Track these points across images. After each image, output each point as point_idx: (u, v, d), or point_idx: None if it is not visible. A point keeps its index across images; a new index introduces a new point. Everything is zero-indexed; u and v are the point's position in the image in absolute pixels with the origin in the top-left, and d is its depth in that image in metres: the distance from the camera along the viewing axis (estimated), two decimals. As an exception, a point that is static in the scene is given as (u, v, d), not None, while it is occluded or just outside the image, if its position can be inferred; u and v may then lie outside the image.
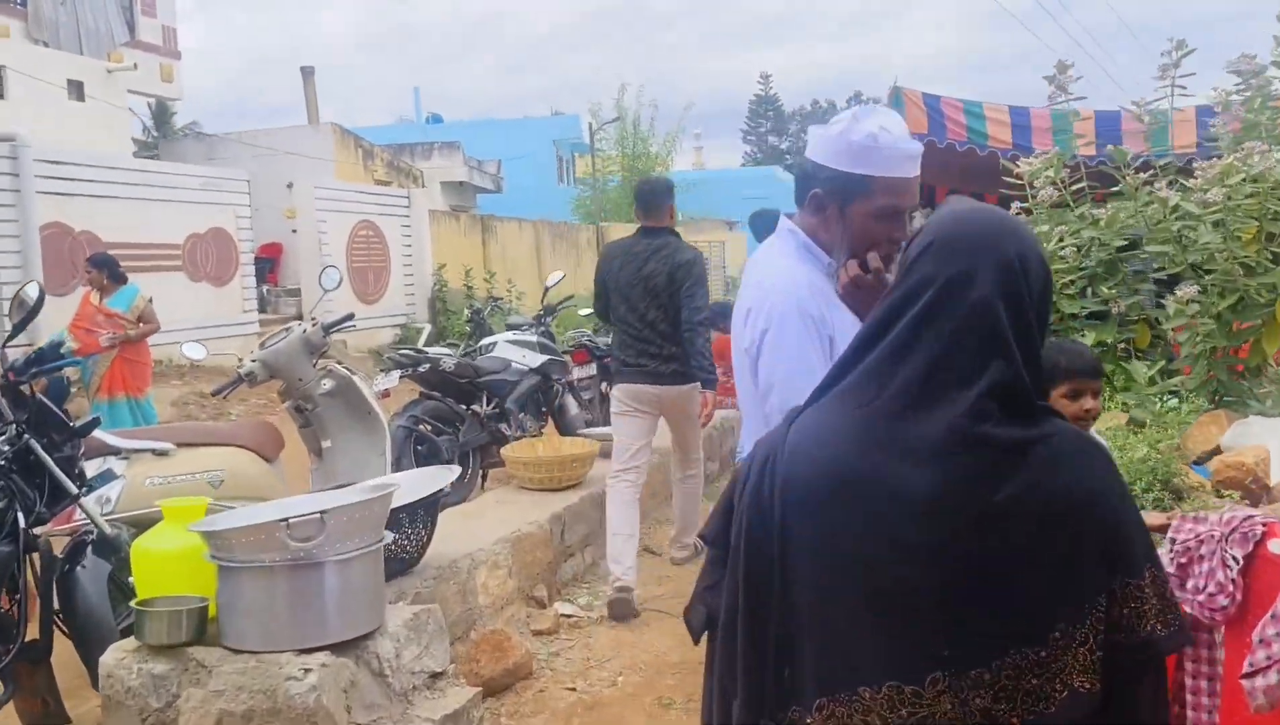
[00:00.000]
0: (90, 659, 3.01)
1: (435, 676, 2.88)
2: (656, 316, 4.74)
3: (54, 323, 7.55)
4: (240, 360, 5.11)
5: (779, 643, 1.26)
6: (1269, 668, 1.97)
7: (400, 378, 6.29)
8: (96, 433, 3.78)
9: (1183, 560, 2.33)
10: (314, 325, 5.07)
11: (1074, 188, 5.52)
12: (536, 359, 6.99)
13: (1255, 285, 4.85)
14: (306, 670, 2.46)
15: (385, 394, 6.08)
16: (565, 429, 7.17)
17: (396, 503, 3.08)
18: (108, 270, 7.24)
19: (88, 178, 10.80)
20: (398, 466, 5.53)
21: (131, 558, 2.84)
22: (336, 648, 2.56)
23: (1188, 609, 2.19)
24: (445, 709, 2.79)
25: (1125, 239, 5.42)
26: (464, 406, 6.57)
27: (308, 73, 19.17)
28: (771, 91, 66.55)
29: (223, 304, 12.60)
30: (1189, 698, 2.36)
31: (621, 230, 22.73)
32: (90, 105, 14.61)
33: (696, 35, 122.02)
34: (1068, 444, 1.24)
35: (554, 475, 5.07)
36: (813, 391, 1.34)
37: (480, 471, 6.66)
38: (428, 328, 14.49)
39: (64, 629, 3.30)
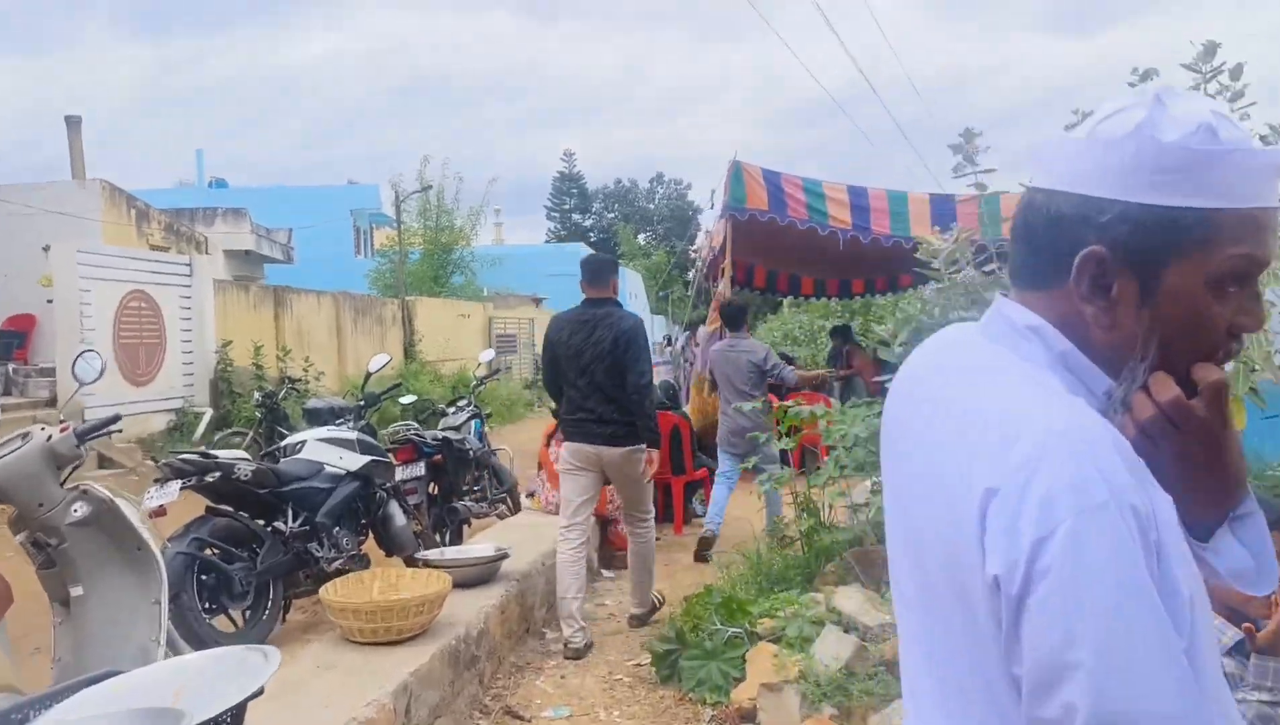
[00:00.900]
0: None
1: None
2: (603, 380, 5.00)
3: None
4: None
5: None
6: None
7: (181, 490, 4.94)
8: None
9: None
10: (62, 431, 3.73)
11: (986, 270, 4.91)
12: (356, 461, 5.77)
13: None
14: None
15: (159, 512, 4.74)
16: (392, 544, 5.96)
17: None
18: None
19: None
20: (175, 605, 4.23)
21: None
22: None
23: None
24: None
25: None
26: (263, 523, 5.28)
27: (73, 123, 16.96)
28: (575, 169, 66.91)
29: (-48, 386, 10.50)
30: None
31: (430, 304, 21.47)
32: None
33: (502, 113, 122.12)
34: None
35: (393, 625, 3.90)
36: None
37: (284, 602, 5.36)
38: (209, 413, 12.73)
39: None
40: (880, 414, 5.07)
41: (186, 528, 4.97)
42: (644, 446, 5.05)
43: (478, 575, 4.82)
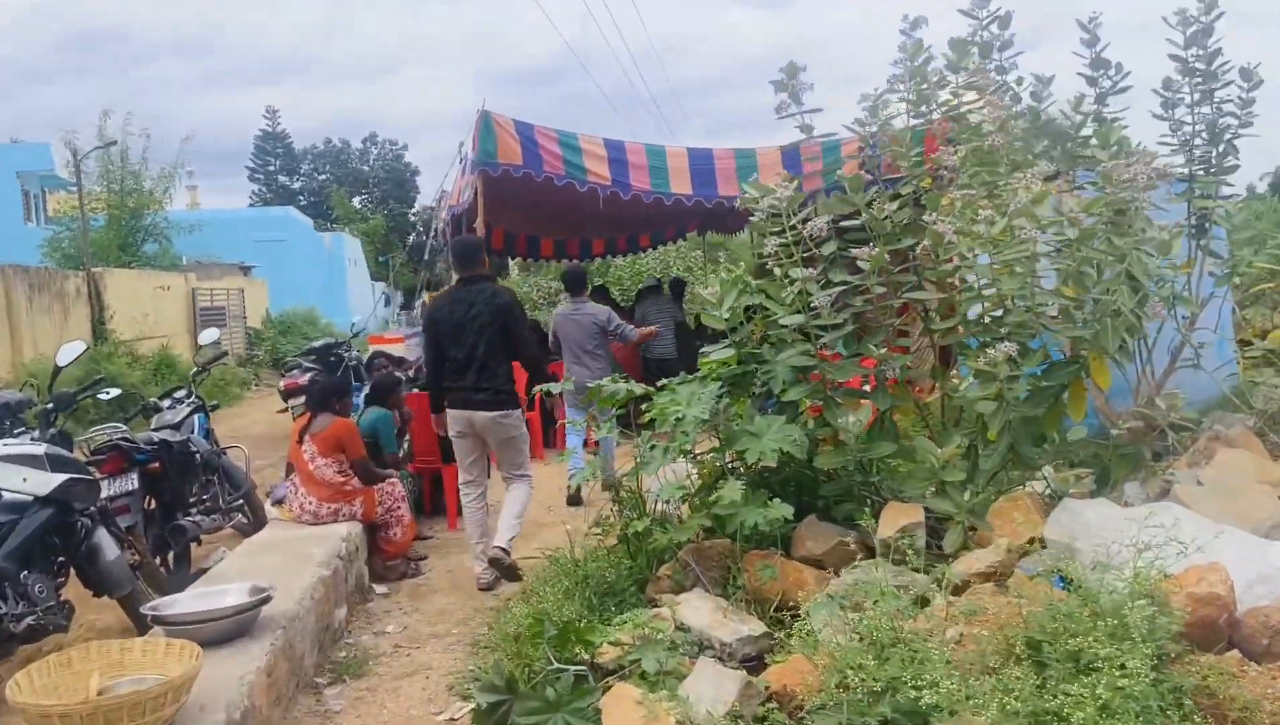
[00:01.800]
0: None
1: None
2: (482, 352, 5.43)
3: None
4: None
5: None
6: None
7: None
8: None
9: None
10: None
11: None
12: (47, 482, 4.43)
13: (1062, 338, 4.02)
14: None
15: None
16: (102, 584, 4.68)
17: None
18: None
19: None
20: None
21: None
22: None
23: None
24: None
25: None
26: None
27: None
28: (280, 127, 62.13)
29: None
30: None
31: (122, 276, 18.80)
32: None
33: (189, 70, 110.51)
34: None
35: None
36: None
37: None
38: None
39: None
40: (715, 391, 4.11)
41: None
42: (512, 411, 5.53)
43: (233, 629, 3.70)
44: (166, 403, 6.84)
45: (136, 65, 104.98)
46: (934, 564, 3.81)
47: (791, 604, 3.94)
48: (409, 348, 12.38)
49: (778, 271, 4.26)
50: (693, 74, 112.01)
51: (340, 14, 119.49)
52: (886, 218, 4.33)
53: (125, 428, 5.72)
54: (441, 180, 13.18)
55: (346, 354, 11.73)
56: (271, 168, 61.08)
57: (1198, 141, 4.89)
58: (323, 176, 60.52)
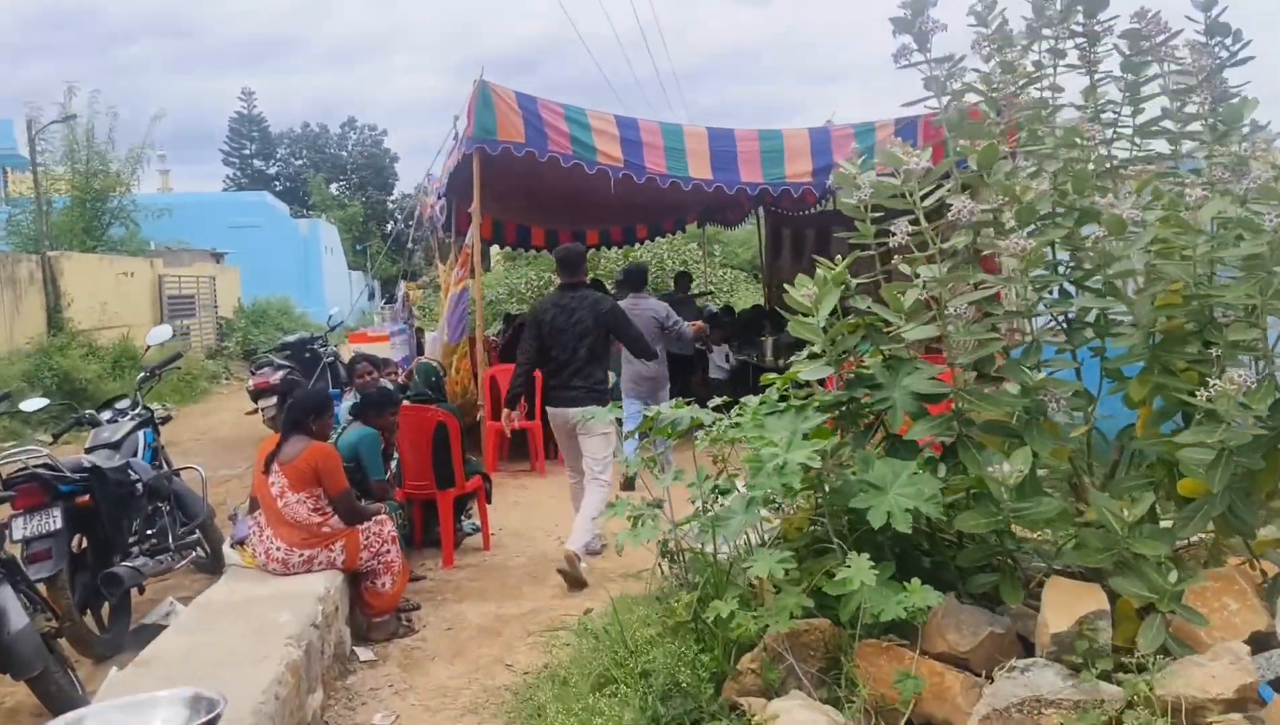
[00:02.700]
0: None
1: None
2: (583, 355, 5.88)
3: None
4: None
5: None
6: None
7: None
8: None
9: None
10: None
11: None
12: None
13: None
14: None
15: None
16: (6, 662, 3.58)
17: None
18: None
19: None
20: None
21: None
22: None
23: None
24: None
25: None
26: None
27: None
28: (256, 110, 60.37)
29: None
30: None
31: (82, 261, 17.52)
32: None
33: (162, 50, 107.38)
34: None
35: None
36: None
37: None
38: None
39: None
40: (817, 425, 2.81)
41: None
42: (596, 408, 5.43)
43: (160, 771, 2.63)
44: (106, 415, 5.66)
45: (114, 44, 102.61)
46: (1123, 669, 2.81)
47: (926, 721, 2.93)
48: (394, 347, 11.27)
49: (905, 268, 3.21)
50: (677, 64, 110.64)
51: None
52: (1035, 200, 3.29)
53: (46, 452, 4.59)
54: (429, 165, 12.02)
55: (323, 350, 10.60)
56: (247, 151, 59.42)
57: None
58: (299, 161, 58.94)
